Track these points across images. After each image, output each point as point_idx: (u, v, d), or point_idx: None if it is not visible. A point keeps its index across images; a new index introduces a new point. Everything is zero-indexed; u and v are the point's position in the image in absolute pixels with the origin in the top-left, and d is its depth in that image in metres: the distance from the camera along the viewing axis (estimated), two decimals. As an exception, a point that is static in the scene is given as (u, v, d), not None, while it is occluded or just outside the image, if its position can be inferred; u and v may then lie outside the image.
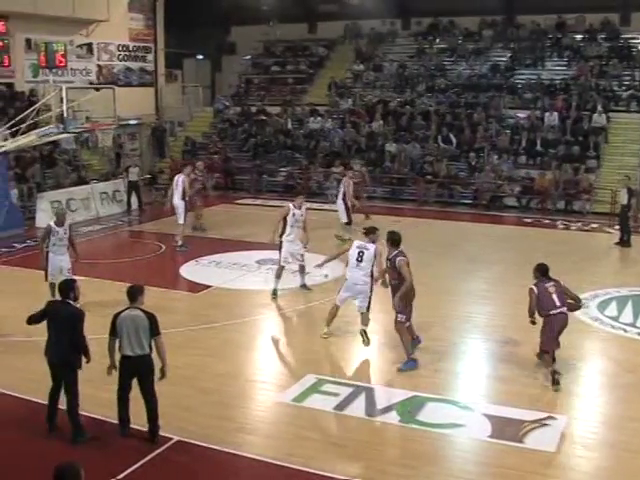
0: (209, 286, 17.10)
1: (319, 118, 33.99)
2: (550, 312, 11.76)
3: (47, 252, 15.20)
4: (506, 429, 10.16)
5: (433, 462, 9.47)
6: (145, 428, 9.85)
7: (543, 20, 35.05)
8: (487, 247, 21.31)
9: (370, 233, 13.27)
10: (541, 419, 10.42)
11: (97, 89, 26.65)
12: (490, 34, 36.09)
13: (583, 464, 9.47)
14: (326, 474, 9.00)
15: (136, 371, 9.72)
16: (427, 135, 31.23)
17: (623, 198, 21.91)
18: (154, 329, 9.66)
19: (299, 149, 32.89)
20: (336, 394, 11.28)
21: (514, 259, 18.69)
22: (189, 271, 18.40)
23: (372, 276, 13.08)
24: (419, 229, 22.97)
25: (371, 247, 13.00)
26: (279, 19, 39.32)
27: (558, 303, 11.78)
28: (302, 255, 16.42)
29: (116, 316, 9.74)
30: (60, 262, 15.11)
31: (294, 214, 16.03)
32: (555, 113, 30.01)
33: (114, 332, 9.68)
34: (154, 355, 9.80)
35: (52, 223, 15.40)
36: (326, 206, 25.77)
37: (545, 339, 11.94)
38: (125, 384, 9.77)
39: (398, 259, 12.23)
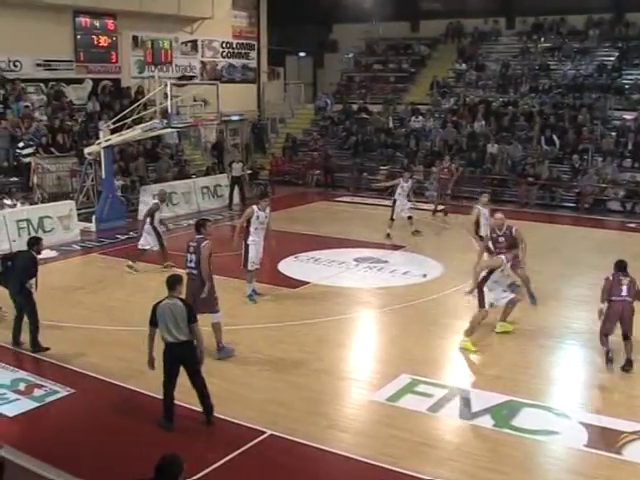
0: (307, 282, 17.22)
1: (420, 117, 33.87)
2: (613, 298, 12.31)
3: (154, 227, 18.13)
4: (603, 439, 9.93)
5: (525, 469, 9.33)
6: (238, 420, 10.00)
7: (653, 18, 34.04)
8: (589, 251, 20.86)
9: None
10: (641, 430, 10.16)
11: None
12: (597, 33, 35.18)
13: (683, 478, 9.20)
14: (416, 475, 8.96)
15: (179, 357, 9.92)
16: (529, 136, 30.75)
17: None
18: (191, 317, 9.92)
19: (400, 148, 32.82)
20: (430, 395, 11.22)
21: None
22: (288, 267, 18.55)
23: None
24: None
25: None
26: (381, 17, 39.26)
27: (624, 293, 12.30)
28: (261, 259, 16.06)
29: (155, 306, 10.03)
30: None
31: (258, 217, 15.42)
32: (664, 115, 29.19)
33: (154, 321, 9.97)
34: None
35: (157, 200, 18.91)
36: (425, 206, 25.69)
37: (604, 322, 12.48)
38: (171, 371, 9.94)
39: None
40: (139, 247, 18.47)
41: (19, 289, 12.74)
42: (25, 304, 12.79)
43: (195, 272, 12.34)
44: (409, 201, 22.44)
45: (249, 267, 15.61)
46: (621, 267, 12.72)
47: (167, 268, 17.24)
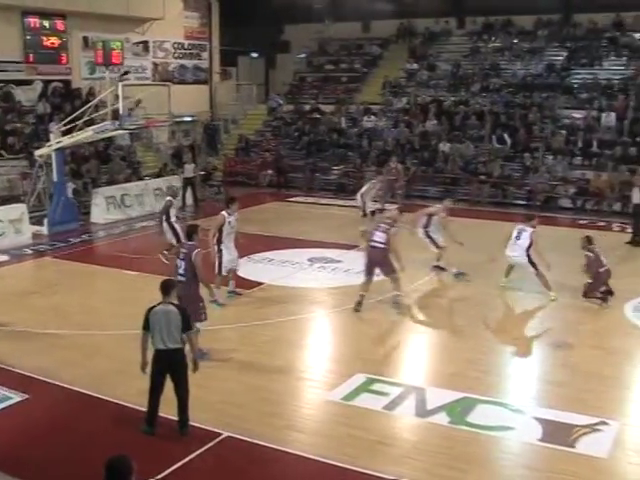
0: (261, 283, 17.15)
1: (372, 117, 33.99)
2: (599, 270, 15.43)
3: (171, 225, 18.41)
4: (557, 433, 10.02)
5: (482, 465, 9.40)
6: (195, 423, 9.95)
7: (600, 19, 34.41)
8: (541, 249, 21.04)
9: None
10: (593, 424, 10.25)
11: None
12: (546, 33, 35.65)
13: (636, 471, 9.30)
14: (373, 473, 8.96)
15: (169, 365, 9.78)
16: (481, 135, 31.03)
17: (635, 197, 21.70)
18: (186, 324, 9.79)
19: (352, 148, 32.90)
20: (386, 394, 11.24)
21: (568, 262, 18.45)
22: (241, 268, 18.34)
23: None
24: (472, 229, 22.83)
25: None
26: (333, 18, 39.37)
27: (605, 262, 15.59)
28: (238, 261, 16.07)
29: (149, 310, 9.85)
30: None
31: (230, 222, 15.32)
32: (612, 113, 29.57)
33: (147, 326, 9.78)
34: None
35: (170, 198, 19.02)
36: (379, 205, 25.75)
37: (593, 287, 15.54)
38: (157, 379, 9.78)
39: None
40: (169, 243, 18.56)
41: None
42: None
43: (184, 279, 12.17)
44: (375, 202, 22.78)
45: (223, 272, 15.49)
46: (591, 240, 15.82)
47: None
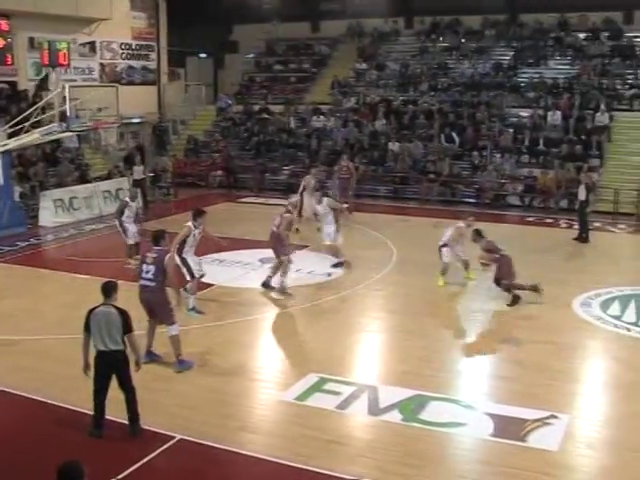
0: (212, 284, 17.05)
1: (322, 117, 34.03)
2: (501, 253, 15.65)
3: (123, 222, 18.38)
4: (508, 428, 10.14)
5: (436, 461, 9.46)
6: (148, 426, 9.91)
7: (546, 19, 34.87)
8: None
9: None
10: (544, 418, 10.39)
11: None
12: (493, 33, 36.03)
13: (586, 463, 9.45)
14: (328, 473, 8.98)
15: (111, 366, 9.77)
16: (430, 134, 31.20)
17: (581, 194, 22.02)
18: (126, 326, 9.76)
19: (302, 148, 32.92)
20: (338, 393, 11.27)
21: (517, 258, 18.64)
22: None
23: None
24: (422, 228, 22.99)
25: None
26: (281, 18, 39.31)
27: (502, 247, 15.87)
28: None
29: (90, 312, 9.86)
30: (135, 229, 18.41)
31: (194, 235, 15.08)
32: (558, 112, 29.95)
33: (88, 328, 9.80)
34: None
35: (127, 199, 18.86)
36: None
37: (503, 274, 15.53)
38: (101, 380, 9.77)
39: None
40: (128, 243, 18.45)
41: None
42: None
43: (153, 284, 11.97)
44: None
45: (196, 274, 15.20)
46: (481, 233, 16.24)
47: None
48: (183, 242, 14.92)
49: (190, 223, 15.08)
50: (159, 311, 12.05)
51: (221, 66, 44.28)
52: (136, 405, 9.94)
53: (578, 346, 13.56)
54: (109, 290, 9.96)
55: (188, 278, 15.07)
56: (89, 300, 14.73)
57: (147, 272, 11.97)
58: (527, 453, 9.54)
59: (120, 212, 18.57)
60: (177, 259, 14.67)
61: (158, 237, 12.44)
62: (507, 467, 9.23)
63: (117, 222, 18.63)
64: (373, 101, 34.01)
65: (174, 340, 12.08)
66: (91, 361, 9.86)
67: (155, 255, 12.08)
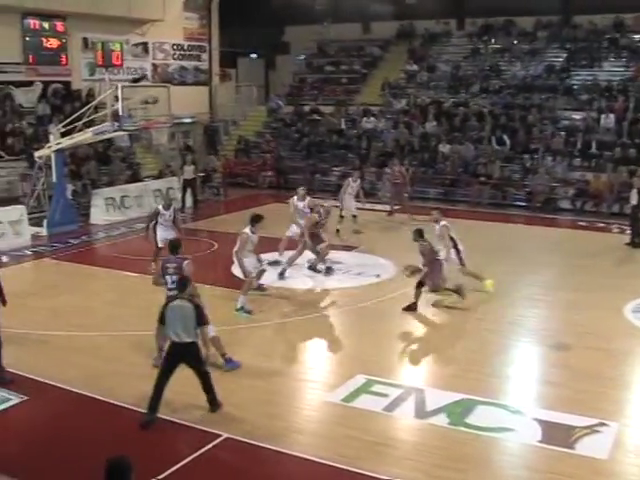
0: (260, 284, 17.07)
1: (372, 118, 33.97)
2: (436, 258, 15.41)
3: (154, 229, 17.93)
4: (556, 434, 10.02)
5: (481, 466, 9.40)
6: (194, 424, 10.04)
7: (600, 20, 34.42)
8: (540, 250, 21.07)
9: None
10: (593, 425, 10.25)
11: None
12: (546, 34, 35.69)
13: (636, 472, 9.29)
14: (373, 475, 8.97)
15: (182, 357, 10.26)
16: (481, 136, 31.00)
17: (633, 198, 21.67)
18: (200, 319, 10.31)
19: (352, 149, 32.91)
20: (385, 395, 11.24)
21: (567, 263, 18.54)
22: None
23: None
24: (472, 231, 22.86)
25: None
26: (333, 19, 39.36)
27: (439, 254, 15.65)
28: None
29: (165, 305, 10.49)
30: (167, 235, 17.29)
31: (252, 241, 15.38)
32: (612, 115, 29.54)
33: (163, 320, 10.38)
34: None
35: (160, 207, 18.11)
36: (378, 206, 25.80)
37: (433, 277, 15.25)
38: (168, 367, 10.25)
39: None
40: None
41: None
42: None
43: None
44: (358, 201, 23.01)
45: (253, 274, 15.49)
46: (422, 234, 15.54)
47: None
48: (242, 248, 15.22)
49: (247, 229, 15.29)
50: None
51: (272, 67, 44.48)
52: (212, 388, 10.50)
53: (629, 352, 13.36)
54: (184, 284, 10.70)
55: (245, 277, 15.41)
56: (138, 298, 15.05)
57: (172, 282, 12.17)
58: (575, 460, 9.42)
59: (151, 219, 18.27)
60: (236, 260, 15.37)
61: (176, 246, 12.81)
62: (554, 474, 9.12)
63: (146, 226, 18.34)
64: (424, 103, 33.88)
65: (215, 341, 12.14)
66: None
67: (175, 264, 12.38)
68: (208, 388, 10.51)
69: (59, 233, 22.44)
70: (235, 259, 15.36)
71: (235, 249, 15.27)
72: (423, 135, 31.99)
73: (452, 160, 30.06)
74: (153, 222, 17.96)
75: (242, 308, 15.15)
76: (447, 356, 13.25)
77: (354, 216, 22.83)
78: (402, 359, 13.33)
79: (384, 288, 16.98)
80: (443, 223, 16.31)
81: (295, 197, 18.88)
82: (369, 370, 12.15)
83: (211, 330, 12.04)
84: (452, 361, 12.81)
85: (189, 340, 10.21)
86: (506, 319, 15.13)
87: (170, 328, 10.26)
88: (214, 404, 10.56)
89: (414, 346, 14.03)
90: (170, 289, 12.14)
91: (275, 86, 42.63)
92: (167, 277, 12.35)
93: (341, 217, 22.54)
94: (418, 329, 14.87)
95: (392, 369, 12.62)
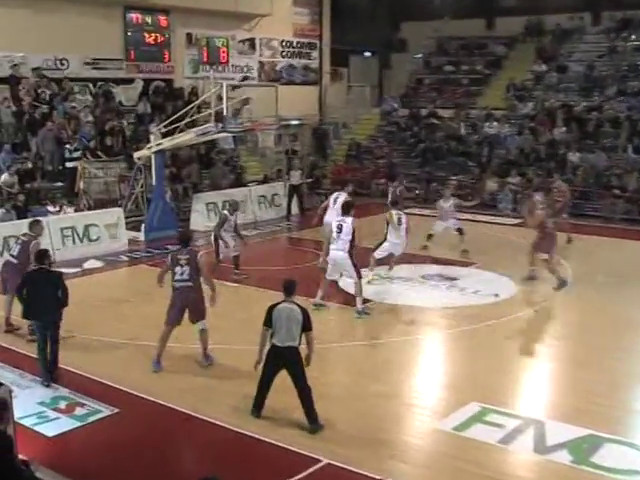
0: (369, 300, 17.10)
1: (495, 123, 33.61)
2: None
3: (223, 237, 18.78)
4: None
5: (607, 510, 9.16)
6: (293, 447, 10.08)
7: None
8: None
9: None
10: None
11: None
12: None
13: None
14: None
15: (283, 361, 10.68)
16: (615, 144, 30.31)
17: None
18: (307, 324, 10.76)
19: (472, 156, 32.63)
20: (502, 426, 11.06)
21: None
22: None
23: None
24: (602, 249, 22.38)
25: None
26: (453, 14, 39.17)
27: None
28: None
29: (272, 307, 10.90)
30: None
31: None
32: None
33: (269, 323, 10.78)
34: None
35: (226, 211, 19.41)
36: (498, 219, 25.47)
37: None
38: (269, 373, 10.78)
39: None
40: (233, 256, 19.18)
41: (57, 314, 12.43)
42: (56, 328, 12.47)
43: (189, 283, 12.93)
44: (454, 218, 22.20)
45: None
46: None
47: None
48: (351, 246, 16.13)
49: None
50: (193, 309, 12.97)
51: (387, 66, 44.49)
52: (312, 401, 10.68)
53: None
54: (291, 288, 11.05)
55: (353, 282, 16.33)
56: (235, 309, 15.22)
57: (182, 274, 12.92)
58: None
59: (220, 225, 18.83)
60: (349, 260, 16.20)
61: (188, 238, 13.80)
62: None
63: (214, 235, 18.88)
64: (552, 107, 33.33)
65: (204, 335, 13.08)
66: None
67: (187, 256, 13.02)
68: (308, 405, 10.67)
69: (157, 238, 22.88)
70: (349, 260, 16.21)
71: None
72: (550, 142, 31.44)
73: (582, 170, 29.46)
74: (222, 228, 18.81)
75: (363, 310, 15.98)
76: (570, 386, 12.93)
77: (459, 231, 22.02)
78: (520, 387, 13.13)
79: (503, 308, 16.76)
80: None
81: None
82: (484, 398, 11.99)
83: (204, 324, 13.05)
84: (576, 391, 12.50)
85: (291, 344, 10.62)
86: (635, 348, 14.71)
87: (274, 331, 10.69)
88: (314, 424, 10.69)
89: (533, 373, 13.75)
90: (177, 280, 12.92)
91: (390, 87, 42.65)
92: (177, 268, 12.93)
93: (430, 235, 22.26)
94: (538, 354, 14.61)
95: (509, 397, 12.41)
